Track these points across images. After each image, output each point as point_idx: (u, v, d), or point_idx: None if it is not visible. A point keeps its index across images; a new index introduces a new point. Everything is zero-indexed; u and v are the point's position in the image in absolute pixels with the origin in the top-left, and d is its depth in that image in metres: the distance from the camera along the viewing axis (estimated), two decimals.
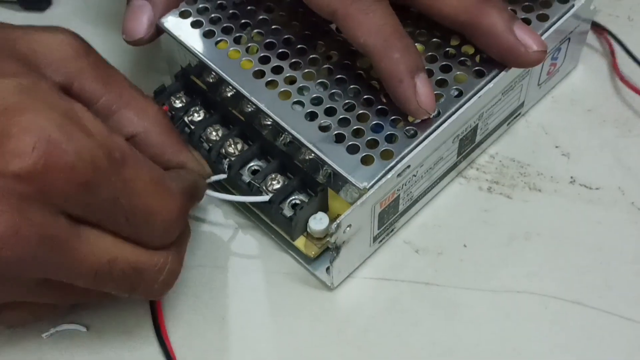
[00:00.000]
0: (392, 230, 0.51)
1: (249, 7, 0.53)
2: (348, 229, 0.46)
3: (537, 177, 0.55)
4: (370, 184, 0.45)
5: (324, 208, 0.49)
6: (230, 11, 0.53)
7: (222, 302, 0.51)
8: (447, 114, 0.47)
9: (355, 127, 0.47)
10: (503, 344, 0.49)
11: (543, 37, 0.50)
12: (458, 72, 0.49)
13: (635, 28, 0.62)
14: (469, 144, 0.52)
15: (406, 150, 0.46)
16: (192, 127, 0.52)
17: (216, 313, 0.50)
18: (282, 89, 0.49)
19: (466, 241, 0.52)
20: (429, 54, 0.49)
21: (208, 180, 0.49)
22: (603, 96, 0.60)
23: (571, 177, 0.56)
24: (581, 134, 0.58)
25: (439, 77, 0.48)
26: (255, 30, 0.51)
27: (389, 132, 0.47)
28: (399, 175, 0.46)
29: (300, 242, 0.50)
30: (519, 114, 0.56)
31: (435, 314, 0.50)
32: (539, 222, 0.54)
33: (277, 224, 0.50)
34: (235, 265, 0.52)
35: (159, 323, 0.49)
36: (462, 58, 0.49)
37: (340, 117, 0.47)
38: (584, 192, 0.55)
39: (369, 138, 0.47)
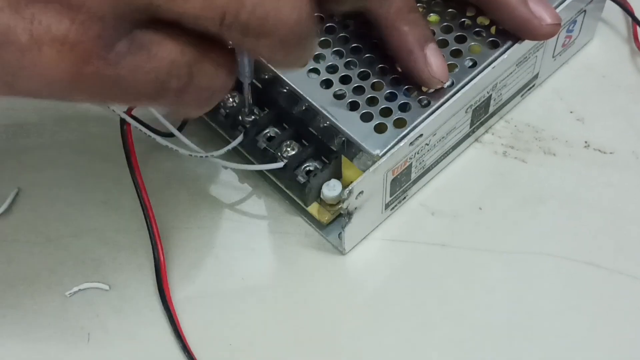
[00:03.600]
0: (405, 197, 0.51)
1: None
2: (360, 195, 0.46)
3: (551, 142, 0.55)
4: (383, 152, 0.45)
5: (338, 175, 0.49)
6: None
7: (237, 261, 0.51)
8: (461, 84, 0.47)
9: (369, 96, 0.47)
10: (517, 305, 0.49)
11: (559, 9, 0.49)
12: (473, 43, 0.48)
13: None
14: (482, 114, 0.52)
15: (419, 119, 0.46)
16: None
17: (230, 272, 0.51)
18: None
19: (481, 204, 0.52)
20: (444, 24, 0.49)
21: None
22: (617, 63, 0.59)
23: (585, 142, 0.55)
24: (595, 100, 0.58)
25: (454, 48, 0.48)
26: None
27: (402, 101, 0.46)
28: (411, 143, 0.46)
29: (313, 208, 0.50)
30: (533, 85, 0.56)
31: (449, 275, 0.50)
32: (553, 186, 0.54)
33: (291, 189, 0.50)
34: (250, 226, 0.53)
35: (163, 285, 0.49)
36: (477, 29, 0.49)
37: (355, 85, 0.47)
38: (597, 156, 0.55)
39: (382, 106, 0.46)
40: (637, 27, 0.58)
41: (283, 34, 0.30)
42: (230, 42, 0.32)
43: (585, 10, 0.53)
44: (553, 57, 0.55)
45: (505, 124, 0.55)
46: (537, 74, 0.55)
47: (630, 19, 0.58)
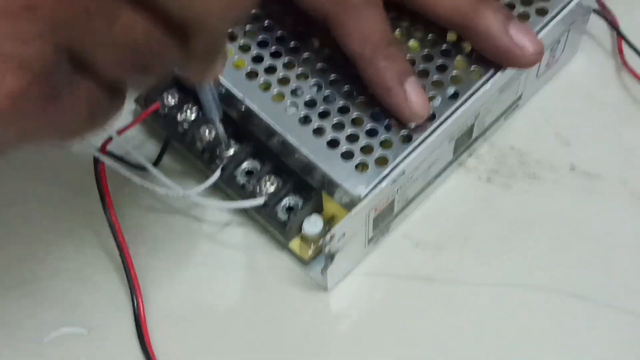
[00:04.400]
0: (388, 230, 0.51)
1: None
2: (342, 237, 0.45)
3: (536, 166, 0.55)
4: (365, 193, 0.45)
5: (319, 209, 0.49)
6: None
7: (217, 299, 0.51)
8: (443, 117, 0.46)
9: (349, 132, 0.46)
10: (503, 340, 0.49)
11: (543, 32, 0.49)
12: (454, 72, 0.47)
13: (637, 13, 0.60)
14: (465, 141, 0.51)
15: (401, 156, 0.45)
16: (186, 126, 0.51)
17: (211, 310, 0.51)
18: (276, 91, 0.48)
19: (466, 233, 0.52)
20: (425, 52, 0.48)
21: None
22: (603, 79, 0.59)
23: (571, 165, 0.55)
24: (581, 120, 0.57)
25: (435, 78, 0.47)
26: (246, 29, 0.50)
27: (383, 137, 0.46)
28: (394, 181, 0.46)
29: (295, 245, 0.50)
30: (517, 105, 0.55)
31: (434, 310, 0.50)
32: (539, 213, 0.54)
33: (272, 226, 0.50)
34: (230, 262, 0.52)
35: (140, 323, 0.49)
36: (458, 57, 0.48)
37: (335, 121, 0.47)
38: (584, 180, 0.54)
39: (363, 143, 0.46)
40: (622, 41, 0.57)
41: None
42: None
43: (569, 29, 0.53)
44: (537, 77, 0.55)
45: (489, 148, 0.55)
46: (521, 95, 0.54)
47: (615, 32, 0.58)
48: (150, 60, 0.31)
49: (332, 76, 0.48)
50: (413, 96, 0.44)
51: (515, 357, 0.49)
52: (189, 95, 0.52)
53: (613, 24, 0.58)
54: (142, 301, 0.50)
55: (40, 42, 0.28)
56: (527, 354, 0.49)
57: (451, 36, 0.49)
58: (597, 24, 0.58)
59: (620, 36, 0.57)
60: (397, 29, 0.49)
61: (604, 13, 0.58)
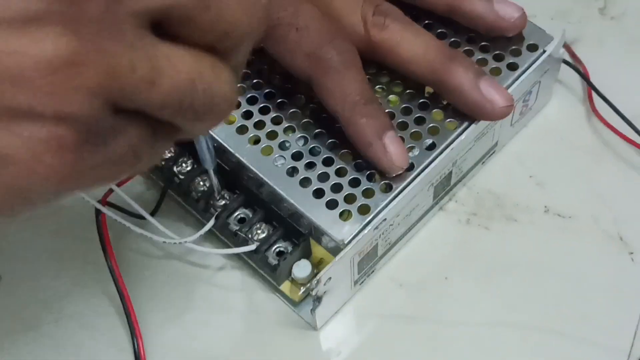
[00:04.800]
0: (373, 271, 0.52)
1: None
2: (328, 281, 0.47)
3: (513, 208, 0.56)
4: (349, 239, 0.46)
5: (307, 254, 0.51)
6: None
7: (214, 341, 0.53)
8: (421, 166, 0.48)
9: (333, 182, 0.48)
10: None
11: (513, 86, 0.51)
12: (431, 124, 0.50)
13: (604, 57, 0.62)
14: (444, 187, 0.53)
15: (382, 205, 0.47)
16: (182, 177, 0.53)
17: (207, 350, 0.52)
18: (265, 145, 0.50)
19: (447, 274, 0.53)
20: (404, 105, 0.51)
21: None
22: (575, 125, 0.60)
23: (545, 207, 0.56)
24: (554, 163, 0.59)
25: (413, 130, 0.49)
26: (238, 85, 0.52)
27: (365, 187, 0.48)
28: (376, 228, 0.47)
29: (285, 287, 0.52)
30: (493, 152, 0.57)
31: (417, 348, 0.51)
32: (516, 253, 0.55)
33: (263, 270, 0.52)
34: (225, 304, 0.54)
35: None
36: (435, 109, 0.50)
37: (320, 172, 0.49)
38: (558, 221, 0.56)
39: (346, 193, 0.48)
40: (592, 90, 0.59)
41: (225, 111, 0.32)
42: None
43: (540, 80, 0.55)
44: (511, 125, 0.56)
45: (467, 191, 0.57)
46: (497, 142, 0.56)
47: (585, 81, 0.60)
48: (198, 101, 0.31)
49: (317, 130, 0.50)
50: (392, 149, 0.46)
51: None
52: (185, 148, 0.54)
53: (583, 74, 0.60)
54: (142, 343, 0.51)
55: (85, 98, 0.28)
56: None
57: (428, 89, 0.51)
58: (569, 72, 0.60)
59: (590, 85, 0.59)
60: (378, 85, 0.52)
61: (575, 64, 0.60)
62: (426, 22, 0.55)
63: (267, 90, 0.52)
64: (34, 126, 0.28)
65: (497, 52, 0.53)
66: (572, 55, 0.61)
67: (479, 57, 0.53)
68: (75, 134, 0.28)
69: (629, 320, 0.53)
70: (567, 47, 0.61)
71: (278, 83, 0.53)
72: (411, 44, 0.49)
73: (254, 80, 0.53)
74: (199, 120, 0.32)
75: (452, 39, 0.54)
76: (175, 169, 0.53)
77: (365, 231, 0.47)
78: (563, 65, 0.59)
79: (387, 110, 0.51)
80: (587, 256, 0.55)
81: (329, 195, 0.48)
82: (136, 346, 0.51)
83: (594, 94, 0.60)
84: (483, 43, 0.53)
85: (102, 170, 0.31)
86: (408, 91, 0.51)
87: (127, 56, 0.28)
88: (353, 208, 0.47)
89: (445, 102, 0.51)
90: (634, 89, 0.61)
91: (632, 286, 0.55)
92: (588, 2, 0.66)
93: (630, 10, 0.66)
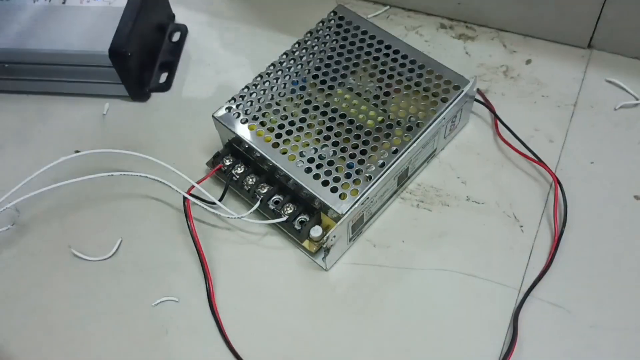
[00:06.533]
0: (360, 232, 0.64)
1: (267, 103, 0.66)
2: (334, 238, 0.59)
3: (446, 197, 0.67)
4: (345, 211, 0.59)
5: (319, 222, 0.62)
6: (256, 105, 0.66)
7: (258, 279, 0.64)
8: (389, 164, 0.60)
9: (334, 176, 0.60)
10: (426, 303, 0.61)
11: (445, 112, 0.62)
12: (395, 137, 0.62)
13: (506, 101, 0.74)
14: (403, 178, 0.65)
15: (366, 189, 0.59)
16: (237, 176, 0.65)
17: (258, 287, 0.63)
18: (290, 154, 0.62)
19: (404, 238, 0.65)
20: (377, 127, 0.63)
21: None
22: (486, 144, 0.71)
23: (467, 196, 0.67)
24: (473, 169, 0.69)
25: (384, 142, 0.62)
26: (270, 118, 0.64)
27: (355, 178, 0.60)
28: (362, 203, 0.59)
29: (306, 243, 0.63)
30: (434, 155, 0.68)
31: (387, 283, 0.62)
32: (448, 226, 0.65)
33: (292, 233, 0.63)
34: (268, 256, 0.65)
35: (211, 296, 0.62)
36: (397, 128, 0.62)
37: (326, 170, 0.61)
38: (475, 205, 0.67)
39: (343, 182, 0.60)
40: (497, 120, 0.71)
41: None
42: None
43: (462, 109, 0.66)
44: (445, 137, 0.67)
45: (417, 186, 0.68)
46: (436, 149, 0.67)
47: (492, 114, 0.71)
48: None
49: (323, 144, 0.62)
50: None
51: (427, 320, 0.60)
52: (239, 158, 0.65)
53: (491, 109, 0.71)
54: (211, 283, 0.62)
55: None
56: (441, 309, 0.60)
57: (393, 115, 0.63)
58: (482, 108, 0.72)
59: (496, 117, 0.71)
60: (358, 110, 0.63)
61: (487, 103, 0.71)
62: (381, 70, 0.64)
63: (290, 120, 0.64)
64: None
65: (434, 90, 0.64)
66: (485, 98, 0.72)
67: (423, 94, 0.63)
68: None
69: (519, 267, 0.63)
70: (481, 93, 0.72)
71: (297, 113, 0.64)
72: None
73: (282, 115, 0.64)
74: None
75: (397, 79, 0.66)
76: (233, 171, 0.66)
77: (356, 205, 0.59)
78: (477, 104, 0.69)
79: (366, 130, 0.62)
80: (493, 228, 0.65)
81: (332, 184, 0.60)
82: (207, 284, 0.63)
83: (498, 123, 0.71)
84: (425, 85, 0.65)
85: None
86: (380, 118, 0.63)
87: None
88: (347, 192, 0.60)
89: (403, 123, 0.62)
90: (524, 121, 0.71)
91: (521, 246, 0.64)
92: (496, 68, 0.77)
93: (522, 75, 0.76)
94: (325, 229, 0.62)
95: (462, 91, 0.64)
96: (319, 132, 0.63)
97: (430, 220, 0.67)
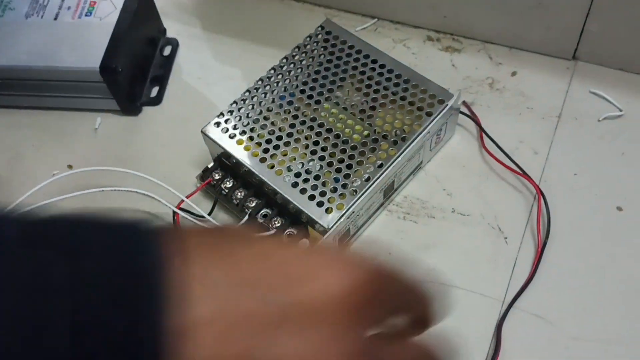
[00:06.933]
0: (348, 246, 0.65)
1: (255, 118, 0.67)
2: None
3: (432, 209, 0.68)
4: (331, 226, 0.60)
5: (306, 235, 0.64)
6: (244, 120, 0.68)
7: None
8: (374, 178, 0.62)
9: (321, 190, 0.62)
10: None
11: (430, 125, 0.64)
12: (380, 151, 0.63)
13: (492, 113, 0.74)
14: (389, 191, 0.66)
15: (351, 203, 0.61)
16: (226, 190, 0.66)
17: None
18: (277, 168, 0.63)
19: (390, 250, 0.65)
20: (362, 140, 0.64)
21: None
22: (471, 156, 0.71)
23: (452, 209, 0.68)
24: (458, 181, 0.69)
25: (369, 156, 0.63)
26: (258, 133, 0.66)
27: (341, 192, 0.61)
28: (347, 217, 0.61)
29: None
30: (420, 167, 0.69)
31: None
32: (433, 237, 0.66)
33: None
34: None
35: None
36: (383, 142, 0.64)
37: (312, 184, 0.62)
38: (460, 217, 0.67)
39: (329, 196, 0.61)
40: (483, 133, 0.71)
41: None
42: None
43: (447, 122, 0.68)
44: (430, 150, 0.68)
45: (403, 198, 0.68)
46: (422, 161, 0.68)
47: (477, 126, 0.72)
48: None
49: (310, 158, 0.63)
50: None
51: None
52: (227, 173, 0.67)
53: (477, 122, 0.72)
54: None
55: (353, 334, 0.29)
56: None
57: (379, 129, 0.65)
58: (468, 121, 0.72)
59: (481, 129, 0.71)
60: (343, 125, 0.65)
61: (472, 115, 0.73)
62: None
63: (278, 135, 0.65)
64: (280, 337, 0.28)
65: (419, 104, 0.65)
66: (470, 110, 0.72)
67: (408, 108, 0.65)
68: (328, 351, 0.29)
69: (503, 278, 0.64)
70: (467, 105, 0.73)
71: (285, 128, 0.66)
72: None
73: (269, 130, 0.66)
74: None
75: (383, 93, 0.67)
76: (222, 185, 0.67)
77: (342, 220, 0.60)
78: (463, 116, 0.71)
79: (352, 144, 0.64)
80: (478, 239, 0.66)
81: (318, 198, 0.61)
82: None
83: (484, 135, 0.71)
84: (410, 100, 0.66)
85: None
86: (366, 132, 0.64)
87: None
88: (333, 206, 0.60)
89: (389, 137, 0.63)
90: (509, 133, 0.72)
91: (505, 258, 0.65)
92: (482, 80, 0.77)
93: (507, 86, 0.76)
94: (313, 243, 0.64)
95: (447, 105, 0.66)
96: (306, 146, 0.65)
97: (416, 232, 0.68)
